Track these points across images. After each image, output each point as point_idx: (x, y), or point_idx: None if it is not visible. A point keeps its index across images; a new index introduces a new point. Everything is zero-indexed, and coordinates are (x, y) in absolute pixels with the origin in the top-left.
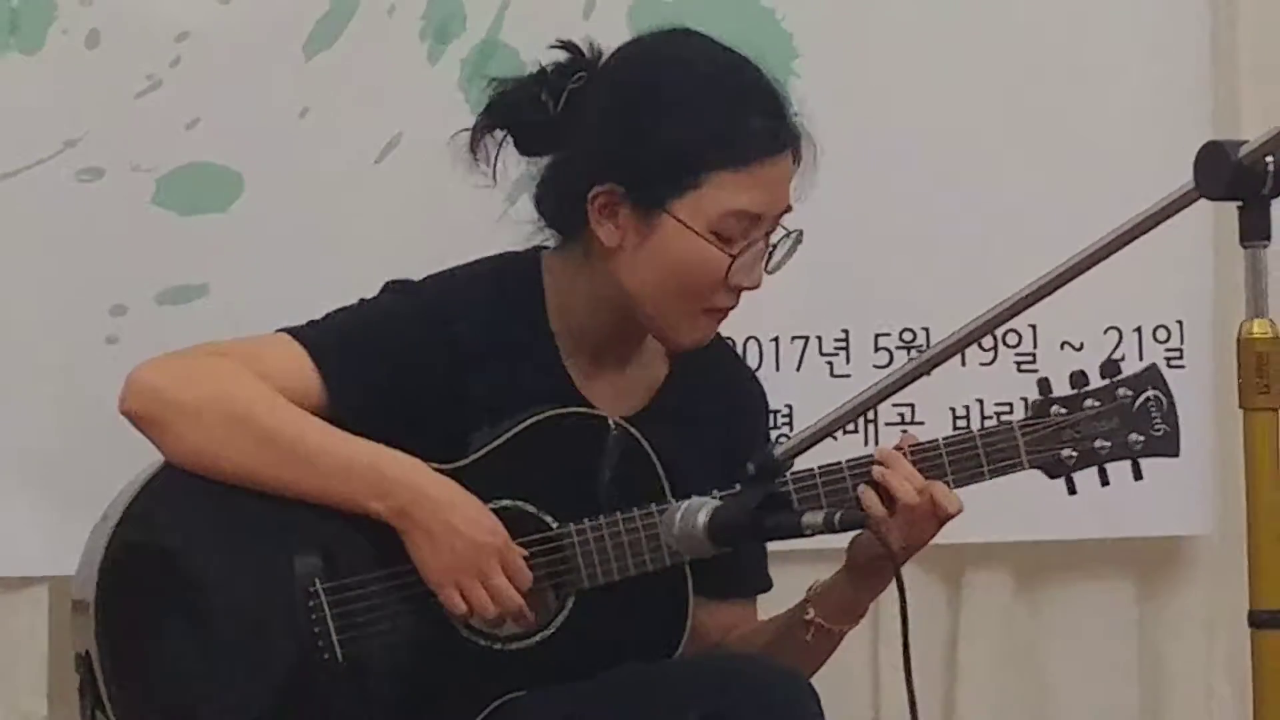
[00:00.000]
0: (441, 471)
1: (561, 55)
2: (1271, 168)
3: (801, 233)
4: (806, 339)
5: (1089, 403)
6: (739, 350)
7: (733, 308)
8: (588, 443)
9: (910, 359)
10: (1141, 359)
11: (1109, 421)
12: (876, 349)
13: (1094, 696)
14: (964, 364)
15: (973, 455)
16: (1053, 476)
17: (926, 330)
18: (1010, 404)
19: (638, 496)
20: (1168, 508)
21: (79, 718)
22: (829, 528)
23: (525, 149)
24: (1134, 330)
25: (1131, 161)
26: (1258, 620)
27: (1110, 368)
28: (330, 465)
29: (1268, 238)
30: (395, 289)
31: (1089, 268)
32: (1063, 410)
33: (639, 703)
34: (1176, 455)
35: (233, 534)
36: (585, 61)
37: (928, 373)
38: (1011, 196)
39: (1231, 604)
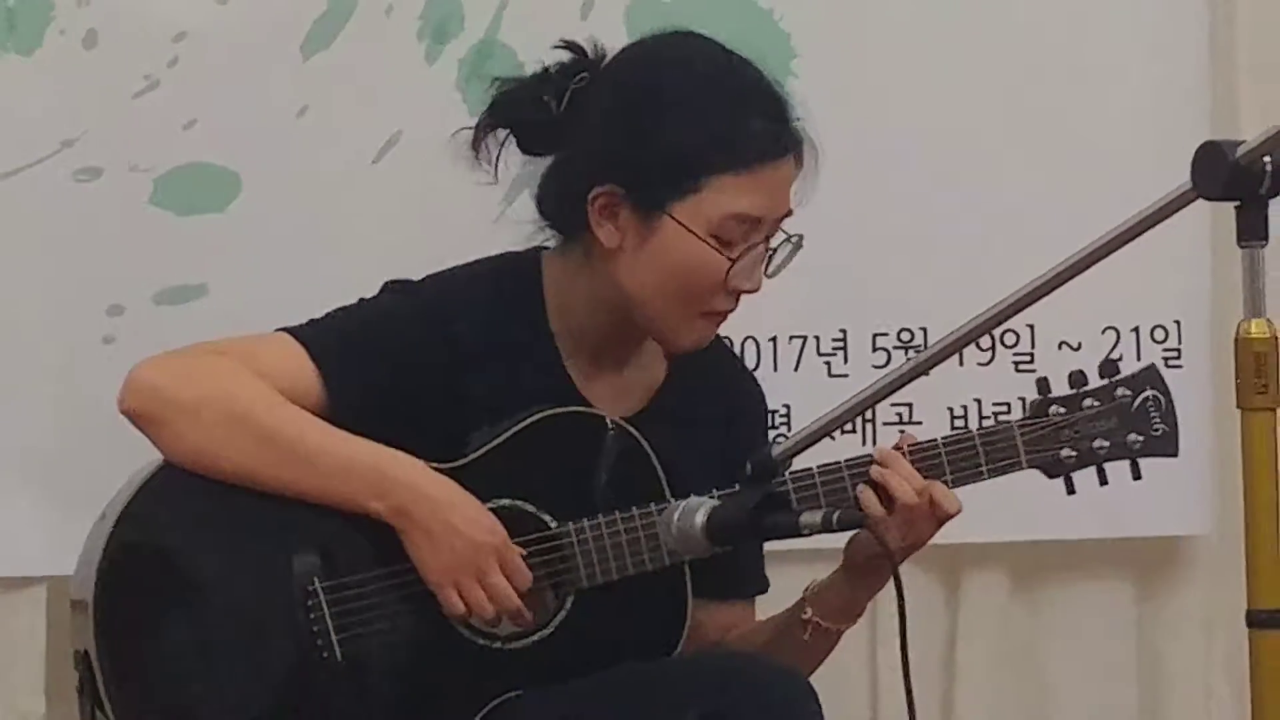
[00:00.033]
0: (440, 471)
1: (565, 55)
2: (1269, 168)
3: (802, 237)
4: (804, 339)
5: (1088, 403)
6: (737, 350)
7: (731, 311)
8: (587, 442)
9: (908, 359)
10: (1139, 359)
11: (1108, 421)
12: (874, 349)
13: (1092, 696)
14: (962, 364)
15: (972, 455)
16: (1051, 476)
17: (924, 330)
18: (1008, 404)
19: (637, 497)
20: (1166, 508)
21: (78, 717)
22: (827, 527)
23: (527, 148)
24: (1132, 330)
25: (1129, 161)
26: (1256, 620)
27: (1109, 368)
28: (330, 465)
29: (1265, 237)
30: (395, 289)
31: (1087, 267)
32: (1061, 410)
33: (638, 701)
34: (1175, 455)
35: (231, 533)
36: (588, 62)
37: (925, 373)
38: (1009, 196)
39: (1230, 604)
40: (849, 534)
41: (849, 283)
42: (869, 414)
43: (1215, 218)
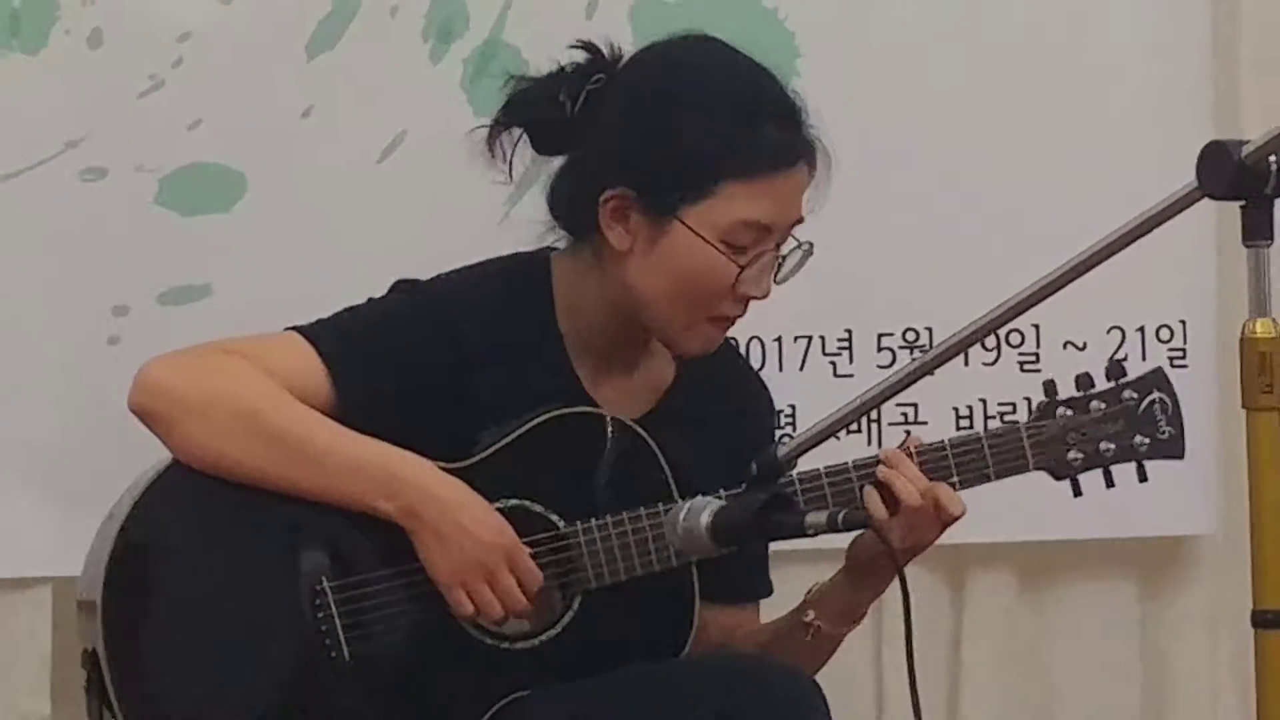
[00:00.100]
0: (448, 471)
1: (581, 56)
2: (1274, 167)
3: (812, 245)
4: (809, 339)
5: (1095, 405)
6: (742, 350)
7: (740, 316)
8: (595, 443)
9: (913, 359)
10: (1144, 359)
11: (1114, 424)
12: (879, 349)
13: (1097, 696)
14: (967, 364)
15: (979, 457)
16: (1058, 478)
17: (929, 330)
18: (1013, 404)
19: (645, 498)
20: (1171, 508)
21: (84, 716)
22: (832, 528)
23: (541, 148)
24: (1137, 330)
25: (1133, 160)
26: (1261, 620)
27: (1115, 370)
28: (339, 464)
29: (1270, 237)
30: (403, 288)
31: (1092, 267)
32: (1068, 412)
33: (645, 702)
34: (1181, 458)
35: (239, 532)
36: (604, 63)
37: (931, 372)
38: (1014, 196)
39: (1235, 604)
40: (852, 535)
41: (854, 283)
42: (874, 414)
43: (1221, 217)
